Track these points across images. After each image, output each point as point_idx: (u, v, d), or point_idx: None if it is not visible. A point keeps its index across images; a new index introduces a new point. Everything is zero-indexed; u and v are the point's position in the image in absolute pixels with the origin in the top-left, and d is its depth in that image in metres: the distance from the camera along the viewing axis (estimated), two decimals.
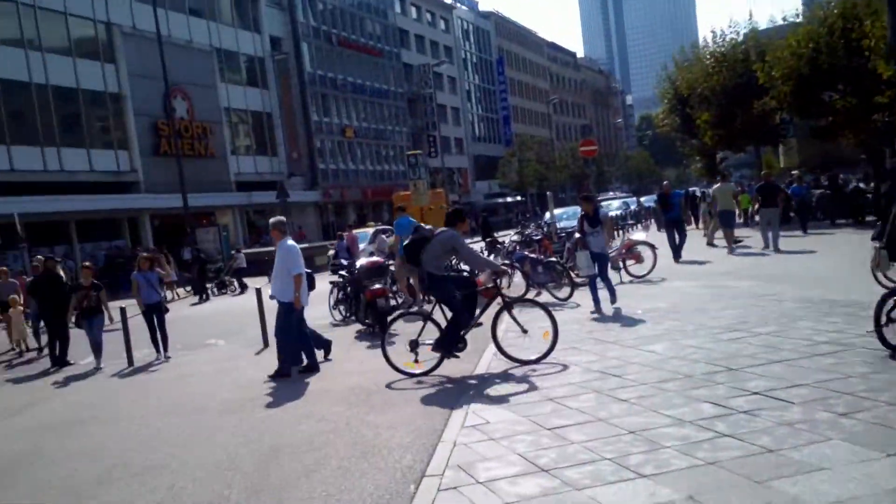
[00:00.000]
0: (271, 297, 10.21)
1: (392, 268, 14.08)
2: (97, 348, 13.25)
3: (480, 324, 9.25)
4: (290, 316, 9.89)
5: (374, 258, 14.70)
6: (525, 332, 8.62)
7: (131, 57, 38.54)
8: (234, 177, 45.78)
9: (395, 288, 14.44)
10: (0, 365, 15.35)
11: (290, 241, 10.08)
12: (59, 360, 13.72)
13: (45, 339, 15.23)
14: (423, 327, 8.70)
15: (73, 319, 13.84)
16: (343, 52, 59.47)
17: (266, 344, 12.68)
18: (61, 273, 15.58)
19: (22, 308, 16.48)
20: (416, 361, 8.60)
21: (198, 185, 39.44)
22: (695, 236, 22.99)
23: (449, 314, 8.69)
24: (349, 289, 14.41)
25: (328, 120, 56.96)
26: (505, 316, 8.85)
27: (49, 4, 35.48)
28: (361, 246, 29.19)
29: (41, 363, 14.64)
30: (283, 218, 10.48)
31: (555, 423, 5.95)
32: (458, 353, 8.70)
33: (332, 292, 15.24)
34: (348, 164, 59.15)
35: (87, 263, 15.86)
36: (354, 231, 26.10)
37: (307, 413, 7.68)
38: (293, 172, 51.65)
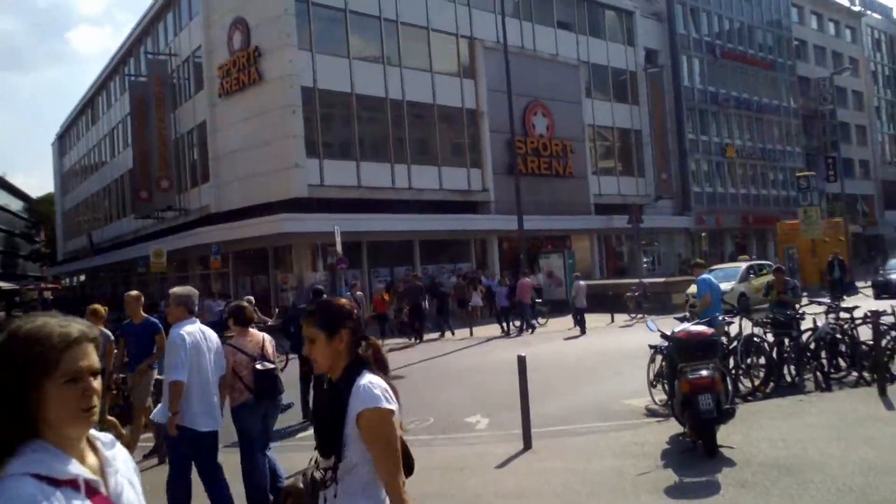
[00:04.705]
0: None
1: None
2: None
3: None
4: (179, 445, 5.94)
5: (699, 327, 8.49)
6: None
7: (492, 72, 36.57)
8: (594, 199, 41.86)
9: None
10: None
11: (187, 328, 5.92)
12: None
13: None
14: None
15: None
16: (727, 64, 53.29)
17: (528, 444, 8.26)
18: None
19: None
20: None
21: (553, 207, 36.70)
22: None
23: None
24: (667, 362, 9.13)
25: (706, 138, 50.95)
26: None
27: (412, 20, 34.83)
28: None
29: None
30: (187, 291, 6.11)
31: None
32: None
33: (652, 360, 10.28)
34: (727, 188, 52.31)
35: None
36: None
37: None
38: (661, 195, 46.39)
